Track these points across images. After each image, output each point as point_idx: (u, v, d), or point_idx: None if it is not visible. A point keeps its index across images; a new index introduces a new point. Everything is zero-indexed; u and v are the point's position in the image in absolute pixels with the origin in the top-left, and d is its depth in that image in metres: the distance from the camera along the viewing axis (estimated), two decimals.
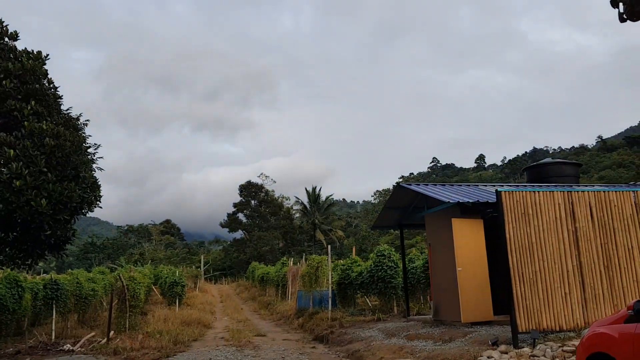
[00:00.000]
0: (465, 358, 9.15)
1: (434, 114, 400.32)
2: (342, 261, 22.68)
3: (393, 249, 18.59)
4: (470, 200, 11.89)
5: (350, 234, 74.30)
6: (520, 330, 9.29)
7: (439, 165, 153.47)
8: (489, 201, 11.97)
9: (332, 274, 18.57)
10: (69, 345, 15.08)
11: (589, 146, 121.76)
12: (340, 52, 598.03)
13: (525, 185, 15.63)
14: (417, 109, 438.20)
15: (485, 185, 15.63)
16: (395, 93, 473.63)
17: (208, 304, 30.49)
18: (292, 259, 32.43)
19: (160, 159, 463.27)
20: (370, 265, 18.51)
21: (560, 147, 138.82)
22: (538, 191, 9.92)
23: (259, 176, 75.90)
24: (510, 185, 16.08)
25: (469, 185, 15.55)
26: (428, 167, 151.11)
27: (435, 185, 14.96)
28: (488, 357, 8.78)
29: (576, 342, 8.54)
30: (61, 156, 12.27)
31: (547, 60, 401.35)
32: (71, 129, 13.45)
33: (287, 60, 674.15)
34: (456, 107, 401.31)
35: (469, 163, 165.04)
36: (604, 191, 10.24)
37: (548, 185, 13.83)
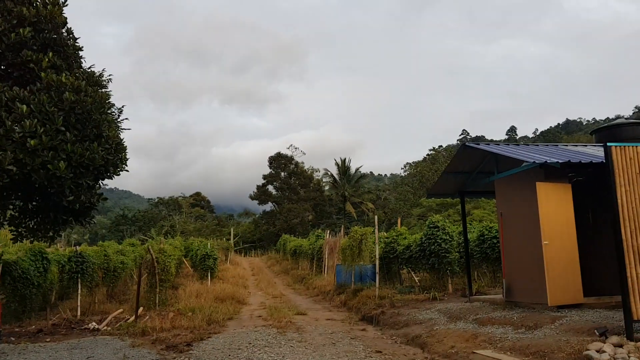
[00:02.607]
0: (566, 352, 7.46)
1: (464, 85, 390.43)
2: (385, 233, 21.07)
3: (447, 220, 16.85)
4: (560, 161, 9.97)
5: (379, 206, 72.44)
6: (635, 318, 7.55)
7: (468, 137, 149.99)
8: (582, 161, 10.06)
9: (377, 248, 16.94)
10: (94, 324, 13.83)
11: (624, 116, 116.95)
12: (369, 22, 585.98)
13: None
14: (446, 80, 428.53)
15: (566, 145, 13.71)
16: (424, 64, 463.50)
17: (240, 278, 29.29)
18: (328, 231, 30.92)
19: (190, 132, 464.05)
20: (421, 237, 16.83)
21: (594, 118, 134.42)
22: None
23: (288, 148, 74.63)
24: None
25: (547, 145, 13.65)
26: (457, 140, 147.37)
27: (508, 145, 13.06)
28: (599, 352, 7.09)
29: None
30: (81, 113, 10.80)
31: (582, 29, 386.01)
32: (94, 86, 12.01)
33: (316, 32, 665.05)
34: (487, 78, 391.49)
35: (500, 135, 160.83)
36: None
37: None
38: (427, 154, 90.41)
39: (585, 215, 11.47)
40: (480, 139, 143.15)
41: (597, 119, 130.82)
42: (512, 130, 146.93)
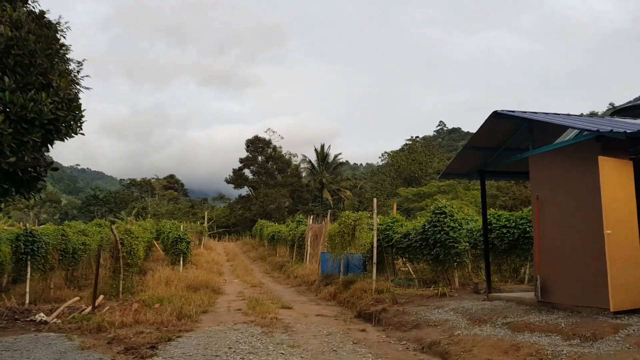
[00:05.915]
0: None
1: (442, 76, 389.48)
2: (379, 220, 19.10)
3: (455, 206, 14.90)
4: (628, 130, 7.99)
5: (355, 194, 70.73)
6: None
7: (445, 129, 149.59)
8: None
9: (375, 234, 14.95)
10: (42, 315, 11.61)
11: (599, 113, 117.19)
12: (352, 10, 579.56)
13: None
14: (426, 71, 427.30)
15: (613, 117, 11.80)
16: (405, 54, 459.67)
17: (215, 263, 27.15)
18: (311, 217, 28.90)
19: (165, 113, 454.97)
20: (424, 225, 14.87)
21: (569, 113, 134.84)
22: None
23: (266, 131, 72.08)
24: None
25: (591, 116, 11.72)
26: (434, 131, 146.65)
27: (547, 114, 11.07)
28: None
29: None
30: (22, 54, 8.58)
31: (560, 25, 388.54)
32: (43, 28, 9.80)
33: (297, 17, 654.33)
34: (466, 70, 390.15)
35: (476, 127, 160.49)
36: None
37: None
38: (405, 144, 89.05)
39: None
40: (457, 130, 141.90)
41: (572, 114, 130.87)
42: None
